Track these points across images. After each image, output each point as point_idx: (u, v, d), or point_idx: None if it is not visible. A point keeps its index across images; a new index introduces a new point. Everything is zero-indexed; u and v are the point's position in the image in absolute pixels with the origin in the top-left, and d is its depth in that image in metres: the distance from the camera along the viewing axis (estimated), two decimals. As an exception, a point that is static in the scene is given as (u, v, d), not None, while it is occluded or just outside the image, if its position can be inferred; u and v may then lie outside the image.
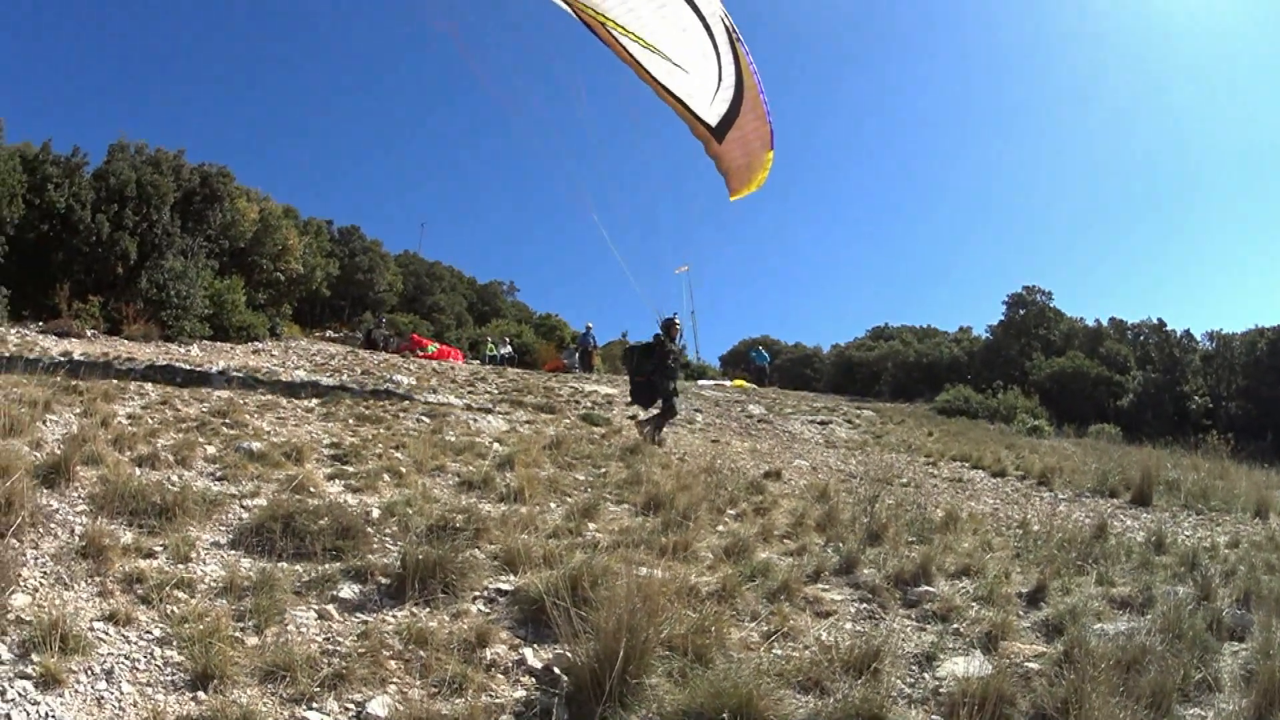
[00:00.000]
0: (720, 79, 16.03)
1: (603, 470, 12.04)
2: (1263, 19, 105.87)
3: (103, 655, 4.99)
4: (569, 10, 14.70)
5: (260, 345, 26.42)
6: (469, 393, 20.21)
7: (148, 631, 5.34)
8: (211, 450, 9.88)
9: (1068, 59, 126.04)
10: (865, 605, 7.54)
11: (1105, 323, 43.28)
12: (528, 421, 16.27)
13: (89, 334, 21.00)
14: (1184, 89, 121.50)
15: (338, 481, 9.52)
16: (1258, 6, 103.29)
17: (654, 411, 16.17)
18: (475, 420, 15.09)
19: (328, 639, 5.65)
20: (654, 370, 16.02)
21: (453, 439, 12.71)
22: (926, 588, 7.87)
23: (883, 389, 43.03)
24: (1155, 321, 41.19)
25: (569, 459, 12.36)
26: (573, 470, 11.82)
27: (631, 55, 15.12)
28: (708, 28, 15.55)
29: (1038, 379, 37.15)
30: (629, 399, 17.99)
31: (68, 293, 21.96)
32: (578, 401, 21.10)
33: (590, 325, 38.37)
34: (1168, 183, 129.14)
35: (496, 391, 21.17)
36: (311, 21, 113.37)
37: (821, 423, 24.18)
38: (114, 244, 23.17)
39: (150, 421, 10.97)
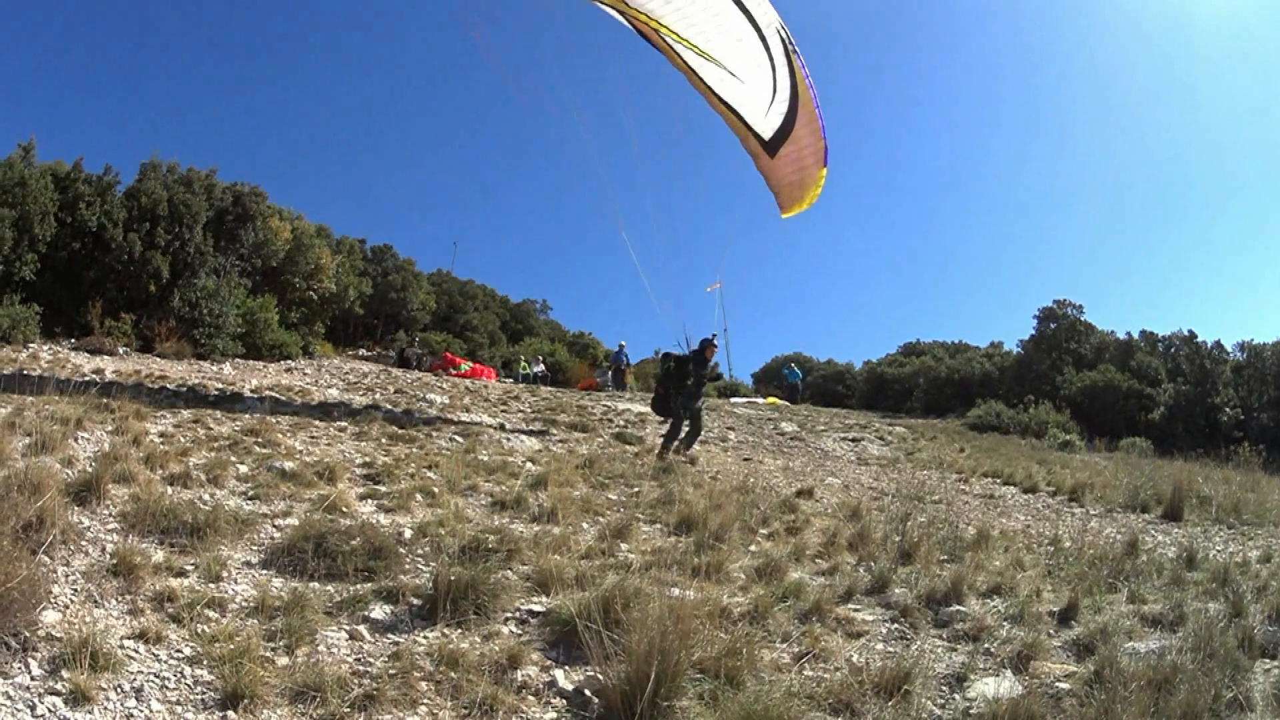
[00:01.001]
0: (775, 91, 15.80)
1: (635, 489, 12.00)
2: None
3: (133, 673, 4.99)
4: (620, 18, 14.59)
5: (293, 364, 26.56)
6: (502, 411, 20.21)
7: (178, 650, 5.33)
8: (244, 469, 9.94)
9: (1093, 71, 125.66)
10: (896, 625, 7.47)
11: (1136, 335, 42.94)
12: (561, 440, 16.25)
13: (121, 351, 21.17)
14: (1211, 94, 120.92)
15: (370, 501, 9.54)
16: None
17: (683, 429, 16.19)
18: (508, 439, 15.08)
19: (359, 660, 5.63)
20: (674, 387, 16.04)
21: (485, 458, 12.72)
22: (958, 607, 7.81)
23: (915, 405, 42.78)
24: (1186, 333, 40.84)
25: (602, 478, 12.34)
26: (605, 490, 11.80)
27: (686, 62, 14.98)
28: (763, 38, 15.30)
29: (1069, 393, 36.82)
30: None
31: (100, 310, 22.16)
32: (610, 420, 21.05)
33: (623, 343, 38.40)
34: (1197, 193, 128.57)
35: (530, 410, 21.15)
36: (344, 41, 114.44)
37: (854, 440, 24.07)
38: (146, 262, 23.34)
39: (182, 440, 11.04)
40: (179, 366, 20.83)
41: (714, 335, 16.32)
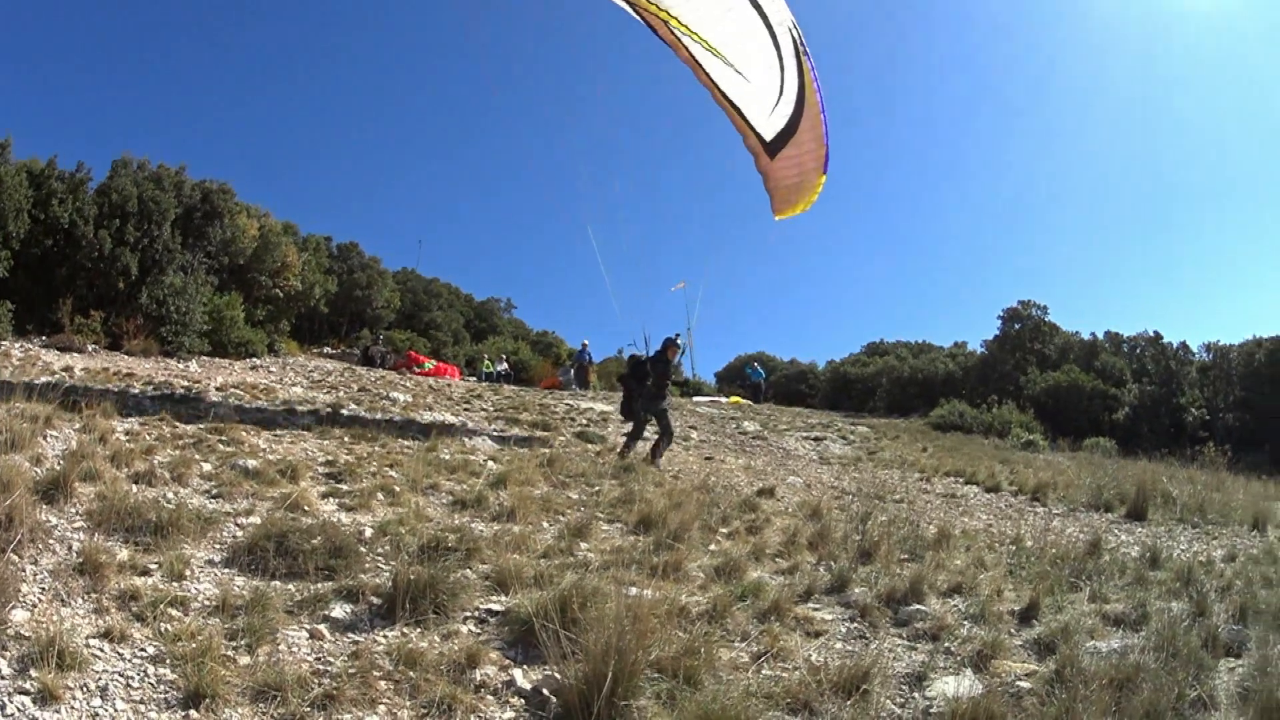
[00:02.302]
0: (781, 92, 15.56)
1: (596, 489, 12.07)
2: (1263, 31, 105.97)
3: (98, 672, 5.04)
4: (629, 9, 14.30)
5: (258, 362, 26.53)
6: (465, 410, 20.29)
7: (142, 649, 5.39)
8: (207, 467, 9.96)
9: (1064, 70, 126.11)
10: (856, 625, 7.51)
11: (1101, 336, 43.39)
12: (523, 439, 16.33)
13: (90, 349, 21.15)
14: (1179, 98, 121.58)
15: (332, 500, 9.58)
16: (1254, 18, 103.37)
17: (645, 430, 16.16)
18: (470, 438, 15.14)
19: (319, 659, 5.68)
20: (634, 389, 16.08)
21: (447, 457, 12.77)
22: (918, 606, 7.85)
23: (878, 405, 42.95)
24: (1151, 334, 41.29)
25: (563, 477, 12.41)
26: (566, 489, 11.87)
27: (693, 56, 14.69)
28: (774, 36, 15.05)
29: (1033, 393, 37.13)
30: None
31: (71, 307, 22.14)
32: (573, 419, 21.16)
33: (586, 343, 38.67)
34: (1165, 195, 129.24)
35: (492, 409, 21.25)
36: (311, 39, 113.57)
37: (816, 439, 24.29)
38: (115, 259, 23.30)
39: (148, 437, 11.06)
40: (146, 364, 20.82)
41: (676, 335, 16.22)
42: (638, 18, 14.63)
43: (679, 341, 16.23)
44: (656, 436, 15.98)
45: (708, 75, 15.05)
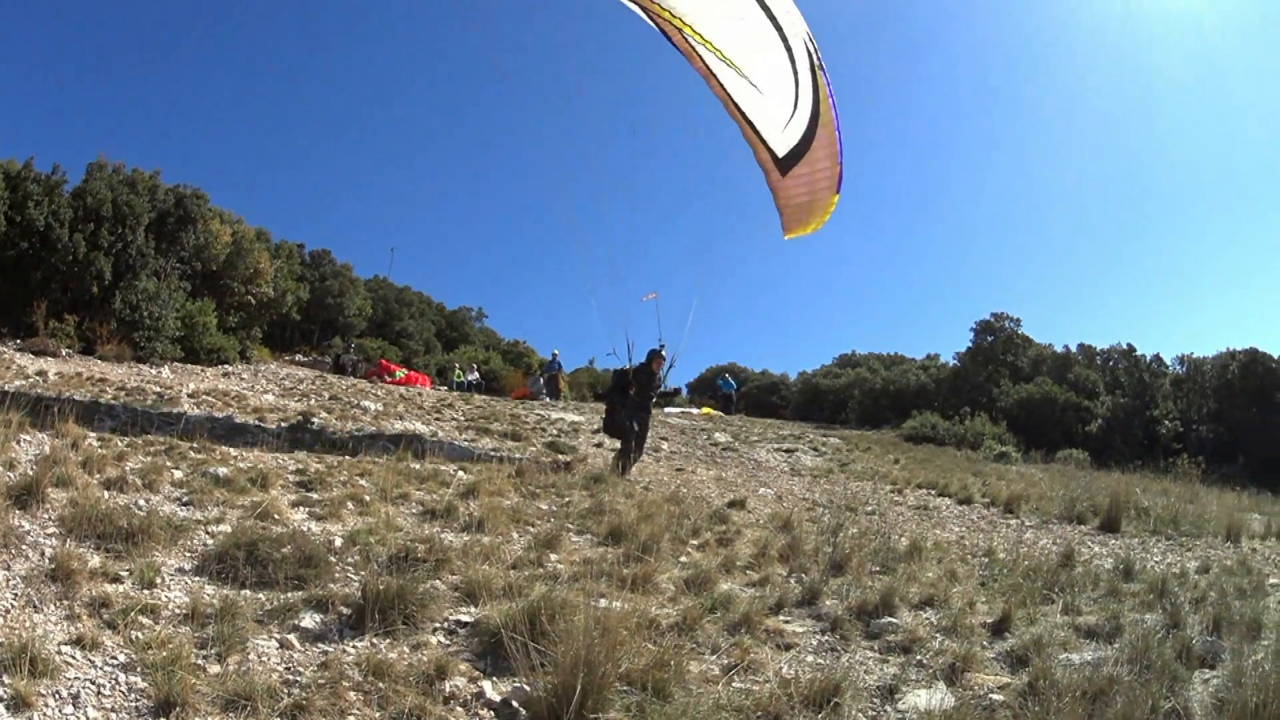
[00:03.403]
0: (796, 107, 15.16)
1: (566, 499, 12.08)
2: (1236, 47, 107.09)
3: (70, 679, 5.06)
4: (643, 14, 14.02)
5: (231, 368, 26.40)
6: (435, 419, 20.31)
7: (113, 657, 5.41)
8: (178, 474, 9.95)
9: (1039, 84, 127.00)
10: (827, 637, 7.53)
11: (1074, 349, 43.96)
12: (493, 449, 16.36)
13: (65, 353, 21.02)
14: (1152, 112, 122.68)
15: (302, 509, 9.58)
16: (1227, 31, 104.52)
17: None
18: (441, 447, 15.15)
19: (288, 669, 5.69)
20: (617, 401, 15.89)
21: (417, 466, 12.75)
22: (889, 619, 7.86)
23: (850, 416, 43.23)
24: (1125, 347, 41.74)
25: (533, 488, 12.38)
26: (536, 499, 11.86)
27: (707, 65, 14.31)
28: (789, 49, 14.69)
29: (1005, 405, 37.37)
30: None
31: (45, 311, 21.98)
32: (544, 429, 21.22)
33: (556, 352, 38.57)
34: (1137, 208, 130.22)
35: (463, 418, 21.25)
36: (285, 45, 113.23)
37: (787, 450, 24.39)
38: (90, 263, 23.14)
39: (119, 444, 11.03)
40: (119, 369, 20.71)
41: (661, 345, 15.95)
42: (651, 24, 14.40)
43: (664, 352, 15.95)
44: (625, 451, 15.80)
45: (721, 86, 14.78)
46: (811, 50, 14.99)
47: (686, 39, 13.72)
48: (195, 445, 11.63)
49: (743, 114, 15.17)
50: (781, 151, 15.63)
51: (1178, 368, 39.80)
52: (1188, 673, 6.74)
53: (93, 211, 23.81)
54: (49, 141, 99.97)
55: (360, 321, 43.42)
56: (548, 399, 34.22)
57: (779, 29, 14.47)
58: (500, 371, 43.31)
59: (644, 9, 13.70)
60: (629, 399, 15.75)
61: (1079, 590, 9.29)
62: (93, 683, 5.10)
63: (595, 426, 22.59)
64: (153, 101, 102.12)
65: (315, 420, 16.39)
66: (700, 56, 14.15)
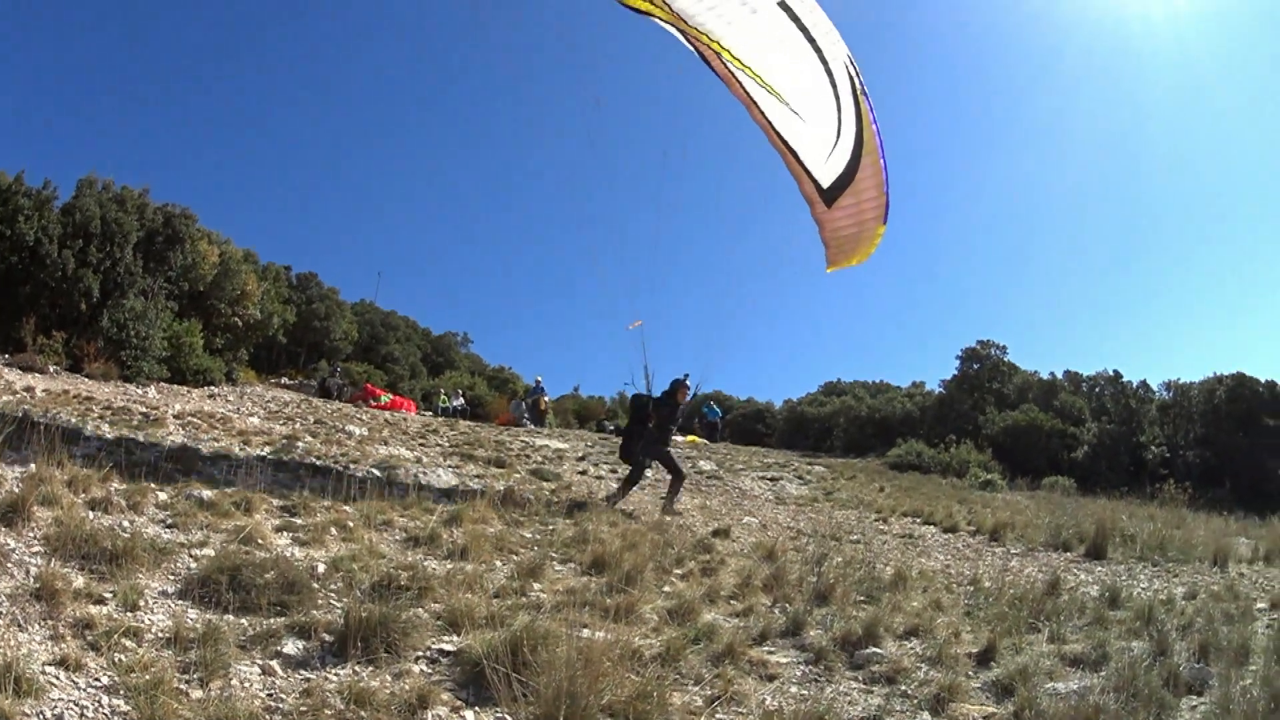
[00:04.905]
0: (839, 134, 14.46)
1: (550, 527, 12.09)
2: (1224, 72, 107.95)
3: (54, 700, 5.04)
4: (681, 38, 13.50)
5: (216, 390, 26.37)
6: (420, 445, 20.29)
7: (96, 679, 5.39)
8: (163, 496, 9.93)
9: (1025, 109, 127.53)
10: (811, 668, 7.52)
11: (1060, 375, 44.20)
12: (478, 476, 16.37)
13: (52, 370, 21.03)
14: (1137, 138, 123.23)
15: (286, 534, 9.55)
16: (1215, 58, 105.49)
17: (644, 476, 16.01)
18: (425, 474, 15.16)
19: (270, 695, 5.68)
20: (635, 430, 15.76)
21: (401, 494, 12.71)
22: (874, 649, 7.85)
23: (835, 444, 43.37)
24: (1111, 373, 42.04)
25: (517, 515, 12.40)
26: (520, 527, 11.87)
27: (747, 93, 13.82)
28: (830, 73, 13.94)
29: (991, 433, 37.59)
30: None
31: (34, 327, 22.03)
32: (528, 456, 21.22)
33: (540, 378, 38.64)
34: (1123, 234, 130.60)
35: (448, 444, 21.24)
36: (273, 64, 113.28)
37: (772, 479, 24.42)
38: (78, 280, 23.18)
39: (104, 464, 11.01)
40: (105, 388, 20.70)
41: (685, 375, 15.74)
42: (690, 47, 13.90)
43: (688, 383, 15.72)
44: (630, 482, 15.72)
45: (763, 114, 14.25)
46: (853, 74, 14.35)
47: (725, 64, 13.35)
48: (180, 466, 11.62)
49: (786, 144, 14.67)
50: (826, 183, 15.14)
51: (1164, 393, 40.09)
52: (1175, 700, 6.76)
53: (82, 228, 23.87)
54: (38, 156, 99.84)
55: (346, 345, 43.47)
56: (530, 424, 34.28)
57: (819, 52, 13.73)
58: (485, 397, 43.32)
59: (683, 32, 13.26)
60: (648, 431, 15.59)
61: (1065, 618, 9.30)
62: (76, 704, 5.08)
63: (580, 454, 22.63)
64: (142, 118, 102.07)
65: (300, 444, 16.37)
66: (740, 83, 13.79)
